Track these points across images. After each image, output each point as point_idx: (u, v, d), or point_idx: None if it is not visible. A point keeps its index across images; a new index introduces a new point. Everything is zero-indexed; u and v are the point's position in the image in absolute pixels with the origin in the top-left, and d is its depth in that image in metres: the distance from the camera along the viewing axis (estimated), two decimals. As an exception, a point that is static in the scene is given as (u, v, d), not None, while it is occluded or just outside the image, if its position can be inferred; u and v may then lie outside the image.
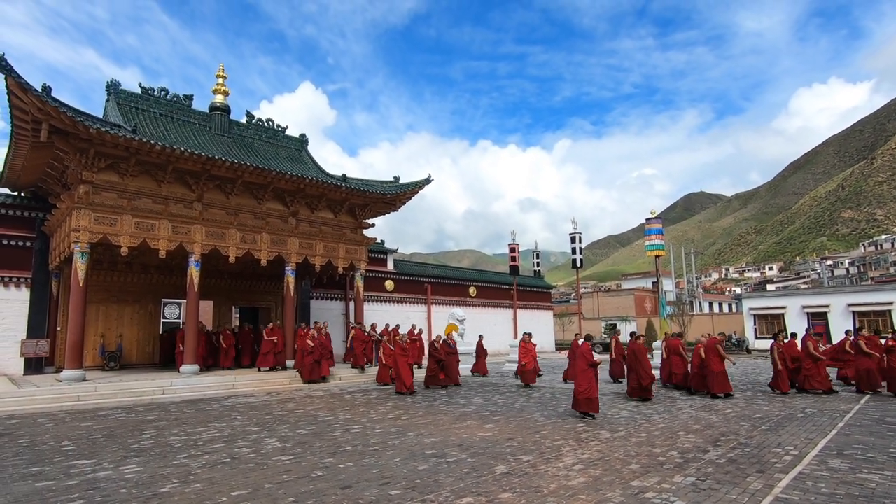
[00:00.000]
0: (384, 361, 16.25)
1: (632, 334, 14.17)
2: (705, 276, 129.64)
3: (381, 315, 26.09)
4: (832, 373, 15.89)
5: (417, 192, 21.24)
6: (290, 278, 18.36)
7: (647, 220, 20.79)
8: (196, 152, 14.78)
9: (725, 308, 68.55)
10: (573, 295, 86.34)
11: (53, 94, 12.13)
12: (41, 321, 17.21)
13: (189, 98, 19.57)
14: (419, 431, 8.95)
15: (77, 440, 8.44)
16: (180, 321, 22.04)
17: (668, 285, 56.28)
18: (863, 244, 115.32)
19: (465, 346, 20.77)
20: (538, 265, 36.81)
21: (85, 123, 12.70)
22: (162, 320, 20.73)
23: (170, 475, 6.29)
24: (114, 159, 14.66)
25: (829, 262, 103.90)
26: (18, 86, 11.62)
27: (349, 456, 7.22)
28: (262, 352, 17.37)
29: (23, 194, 17.84)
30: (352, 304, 23.42)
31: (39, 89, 11.85)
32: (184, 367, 15.71)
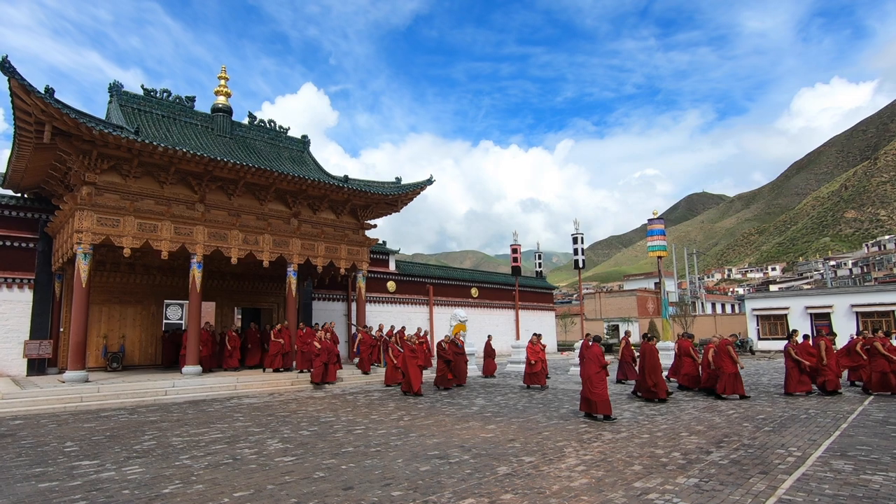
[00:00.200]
0: (394, 362, 16.21)
1: (644, 335, 14.12)
2: (708, 277, 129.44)
3: (383, 316, 26.09)
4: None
5: (419, 193, 21.24)
6: (292, 279, 18.37)
7: (650, 220, 20.76)
8: (198, 153, 14.81)
9: (728, 309, 68.37)
10: (575, 296, 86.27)
11: (56, 95, 12.17)
12: (44, 322, 17.25)
13: (191, 99, 19.61)
14: (421, 432, 8.94)
15: (80, 441, 8.46)
16: (182, 322, 22.09)
17: (670, 286, 56.23)
18: (866, 244, 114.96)
19: (467, 346, 20.76)
20: (540, 266, 36.74)
21: (87, 125, 12.74)
22: (164, 321, 20.76)
23: (172, 476, 6.30)
24: (116, 161, 14.69)
25: (833, 263, 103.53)
26: (22, 88, 11.66)
27: (351, 457, 7.22)
28: (271, 353, 17.40)
29: (26, 196, 17.89)
30: (354, 305, 23.43)
31: (42, 91, 11.89)
32: (186, 368, 15.73)
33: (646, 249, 23.50)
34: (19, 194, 17.79)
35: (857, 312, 34.90)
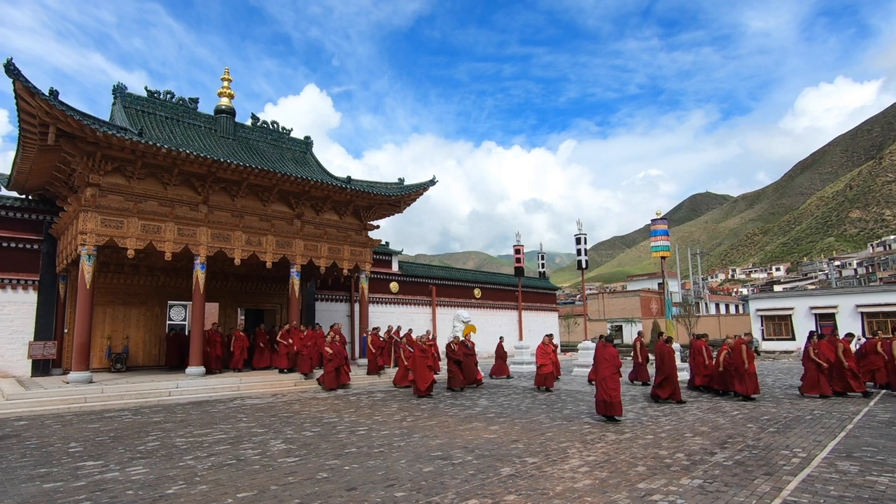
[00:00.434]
0: (404, 363, 16.13)
1: (659, 335, 14.03)
2: (711, 277, 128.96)
3: (386, 317, 26.10)
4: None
5: (422, 194, 21.24)
6: (296, 280, 18.40)
7: (653, 220, 20.68)
8: (202, 155, 14.86)
9: (732, 309, 68.10)
10: (578, 296, 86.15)
11: (60, 97, 12.22)
12: (48, 323, 17.32)
13: (194, 101, 19.67)
14: (424, 433, 8.94)
15: (84, 442, 8.49)
16: (186, 323, 22.14)
17: (673, 286, 56.02)
18: (871, 244, 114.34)
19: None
20: (543, 266, 36.70)
21: (91, 127, 12.79)
22: (168, 322, 20.81)
23: (176, 477, 6.31)
24: (120, 162, 14.75)
25: (837, 263, 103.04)
26: (26, 90, 11.72)
27: (354, 457, 7.22)
28: (279, 354, 17.40)
29: (30, 197, 17.97)
30: (357, 306, 23.44)
31: (47, 93, 11.95)
32: (189, 369, 15.76)
33: (649, 250, 23.44)
34: (24, 196, 17.87)
35: (862, 313, 34.72)
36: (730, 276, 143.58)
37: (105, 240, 14.43)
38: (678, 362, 17.25)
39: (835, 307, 36.02)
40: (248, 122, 21.28)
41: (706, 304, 62.98)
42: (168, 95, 19.00)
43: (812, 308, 36.95)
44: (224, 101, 20.42)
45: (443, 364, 17.76)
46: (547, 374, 15.23)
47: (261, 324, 20.86)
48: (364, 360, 19.60)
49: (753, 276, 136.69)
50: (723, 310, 66.62)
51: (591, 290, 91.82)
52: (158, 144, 14.08)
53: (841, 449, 7.48)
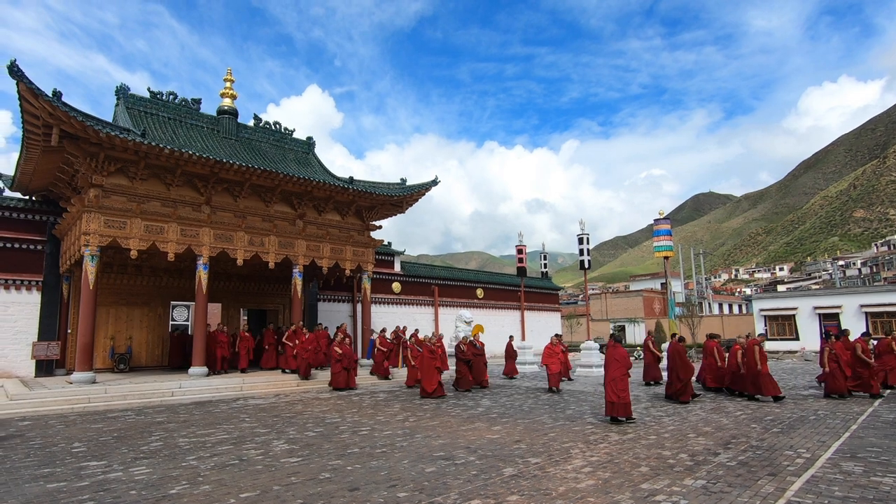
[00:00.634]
0: (412, 363, 16.04)
1: (673, 335, 13.96)
2: (715, 277, 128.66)
3: (388, 317, 26.11)
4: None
5: (424, 194, 21.25)
6: (298, 280, 18.42)
7: (656, 220, 20.66)
8: (204, 156, 14.89)
9: (735, 309, 67.93)
10: (581, 296, 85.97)
11: (64, 98, 12.26)
12: (52, 324, 17.38)
13: (197, 102, 19.71)
14: (427, 433, 8.93)
15: (87, 442, 8.51)
16: (189, 324, 22.19)
17: (676, 286, 55.92)
18: (875, 244, 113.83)
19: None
20: (546, 266, 36.65)
21: (95, 128, 12.83)
22: (171, 322, 20.86)
23: (179, 477, 6.32)
24: (123, 163, 14.79)
25: (841, 263, 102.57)
26: (30, 91, 11.76)
27: (357, 458, 7.22)
28: (289, 354, 17.33)
29: (34, 198, 18.04)
30: (359, 307, 23.46)
31: (50, 94, 12.00)
32: (192, 370, 15.79)
33: (652, 250, 23.39)
34: (27, 197, 17.95)
35: (866, 313, 34.57)
36: (733, 276, 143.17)
37: (108, 240, 14.48)
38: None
39: (839, 307, 35.88)
40: (251, 123, 21.31)
41: (709, 304, 62.82)
42: (171, 96, 19.05)
43: (816, 308, 36.81)
44: (226, 101, 20.46)
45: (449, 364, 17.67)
46: (554, 375, 15.05)
47: (269, 324, 20.85)
48: (367, 361, 19.60)
49: (757, 276, 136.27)
50: (726, 310, 66.45)
51: (593, 290, 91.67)
52: (161, 145, 14.10)
53: (845, 449, 7.45)
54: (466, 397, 13.95)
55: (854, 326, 33.23)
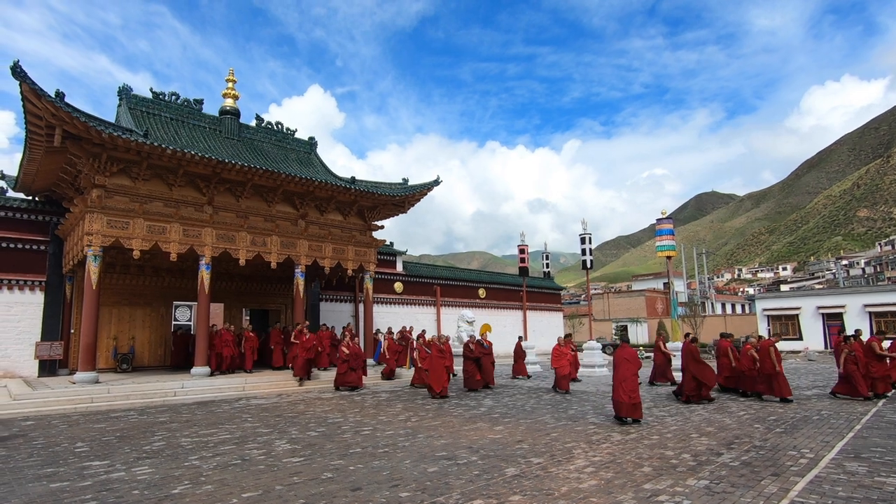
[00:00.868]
0: (419, 364, 15.95)
1: (686, 335, 13.88)
2: (717, 277, 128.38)
3: (390, 317, 26.12)
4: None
5: (426, 194, 21.24)
6: (300, 280, 18.43)
7: (658, 220, 20.60)
8: (206, 156, 14.91)
9: (738, 309, 67.77)
10: (583, 296, 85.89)
11: (66, 99, 12.29)
12: (55, 324, 17.43)
13: (199, 102, 19.74)
14: (429, 433, 8.93)
15: (90, 441, 8.53)
16: (191, 324, 22.23)
17: (679, 286, 55.79)
18: (879, 243, 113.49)
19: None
20: (548, 266, 36.62)
21: (97, 128, 12.86)
22: (173, 322, 20.90)
23: (181, 476, 6.32)
24: (126, 163, 14.82)
25: (845, 262, 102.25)
26: (33, 92, 11.79)
27: (359, 458, 7.21)
28: (291, 354, 17.36)
29: (37, 199, 18.10)
30: (361, 307, 23.47)
31: (53, 95, 12.02)
32: (195, 369, 15.81)
33: (654, 249, 23.35)
34: (30, 197, 18.00)
35: (870, 312, 34.48)
36: (736, 276, 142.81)
37: (111, 241, 14.50)
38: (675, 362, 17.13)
39: (842, 307, 35.78)
40: (253, 123, 21.34)
41: (712, 303, 62.69)
42: (173, 97, 19.09)
43: (819, 308, 36.72)
44: (228, 102, 20.49)
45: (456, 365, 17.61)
46: (563, 376, 14.81)
47: (276, 324, 20.86)
48: (370, 361, 19.60)
49: (760, 275, 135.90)
50: (729, 310, 66.31)
51: (595, 289, 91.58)
52: (163, 145, 14.13)
53: (849, 450, 7.42)
54: (468, 397, 13.93)
55: (857, 326, 33.09)
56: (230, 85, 20.86)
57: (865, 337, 14.94)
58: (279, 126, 22.08)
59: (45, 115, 12.36)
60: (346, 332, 16.76)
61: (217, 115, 20.19)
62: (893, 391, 14.48)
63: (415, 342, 18.80)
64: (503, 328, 32.14)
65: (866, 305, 34.77)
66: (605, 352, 26.95)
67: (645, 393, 14.43)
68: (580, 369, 20.65)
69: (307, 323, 17.93)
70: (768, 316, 39.17)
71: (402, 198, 20.39)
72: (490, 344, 17.20)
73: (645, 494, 5.43)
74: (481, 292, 32.53)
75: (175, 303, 21.08)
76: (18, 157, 15.95)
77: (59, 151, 14.01)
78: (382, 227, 21.43)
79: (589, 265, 23.93)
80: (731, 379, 14.20)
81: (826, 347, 35.40)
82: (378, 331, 22.09)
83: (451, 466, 6.66)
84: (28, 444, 8.39)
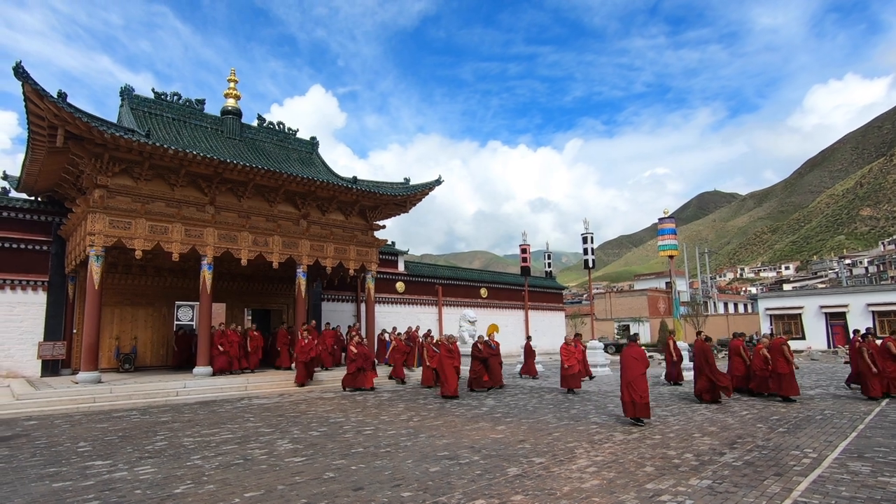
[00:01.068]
0: (428, 364, 15.87)
1: (698, 334, 13.79)
2: (720, 276, 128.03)
3: (392, 317, 26.12)
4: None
5: (428, 194, 21.23)
6: (302, 280, 18.44)
7: (660, 219, 20.57)
8: (208, 156, 14.92)
9: (741, 308, 67.60)
10: (585, 296, 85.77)
11: (69, 100, 12.30)
12: (58, 324, 17.46)
13: (201, 102, 19.77)
14: (431, 433, 8.92)
15: (93, 441, 8.54)
16: (193, 323, 22.25)
17: (681, 285, 55.72)
18: (882, 242, 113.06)
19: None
20: (549, 266, 36.60)
21: (99, 129, 12.88)
22: (175, 322, 20.93)
23: (184, 476, 6.33)
24: (128, 164, 14.84)
25: (848, 261, 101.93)
26: (35, 92, 11.81)
27: (361, 457, 7.21)
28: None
29: (39, 199, 18.13)
30: (363, 306, 23.47)
31: (55, 95, 12.04)
32: (197, 369, 15.84)
33: (656, 249, 23.31)
34: (33, 198, 18.04)
35: (873, 312, 34.36)
36: (738, 275, 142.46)
37: (113, 241, 14.53)
38: (686, 361, 17.08)
39: (845, 306, 35.68)
40: (255, 123, 21.36)
41: (714, 303, 62.55)
42: (175, 97, 19.12)
43: (822, 307, 36.62)
44: (230, 102, 20.51)
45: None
46: (574, 375, 14.62)
47: (282, 324, 20.87)
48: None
49: (762, 274, 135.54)
50: (731, 309, 66.15)
51: (597, 289, 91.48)
52: (165, 146, 14.15)
53: (852, 449, 7.39)
54: (471, 396, 13.92)
55: (861, 326, 32.98)
56: (232, 85, 20.88)
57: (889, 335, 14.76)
58: (281, 126, 22.10)
59: (48, 115, 12.38)
60: (354, 333, 16.70)
61: (219, 115, 20.22)
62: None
63: (423, 342, 18.70)
64: (505, 328, 32.11)
65: (869, 305, 34.66)
66: (607, 351, 26.90)
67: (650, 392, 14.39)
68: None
69: (314, 323, 17.90)
70: (771, 315, 39.07)
71: (403, 197, 20.39)
72: (497, 344, 17.11)
73: (647, 494, 5.42)
74: (483, 292, 32.51)
75: (177, 303, 21.10)
76: (21, 157, 15.98)
77: (61, 152, 14.04)
78: (384, 226, 21.43)
79: (591, 264, 23.91)
80: (743, 379, 14.07)
81: (829, 347, 35.30)
82: (384, 331, 22.08)
83: (453, 466, 6.65)
84: (31, 443, 8.41)
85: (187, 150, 14.55)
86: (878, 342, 14.19)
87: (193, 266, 17.79)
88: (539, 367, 22.32)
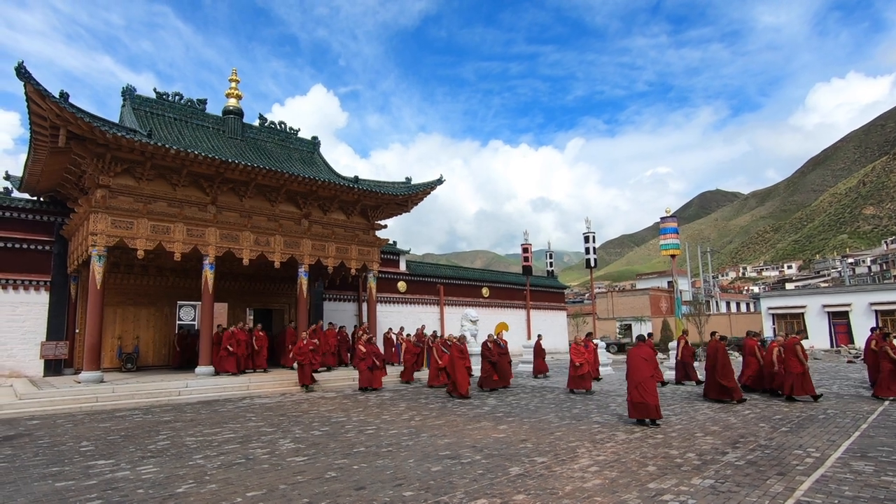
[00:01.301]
0: (440, 364, 15.80)
1: (712, 334, 13.69)
2: (722, 276, 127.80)
3: (394, 316, 26.13)
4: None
5: (429, 193, 21.22)
6: (303, 280, 18.45)
7: (662, 218, 20.54)
8: (210, 156, 14.94)
9: (743, 307, 67.48)
10: (587, 295, 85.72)
11: (71, 100, 12.33)
12: (60, 323, 17.51)
13: (203, 102, 19.79)
14: (432, 433, 8.92)
15: (95, 441, 8.56)
16: (196, 323, 22.29)
17: (683, 285, 55.57)
18: (885, 241, 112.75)
19: (478, 346, 20.67)
20: (551, 265, 36.58)
21: (101, 129, 12.90)
22: (177, 322, 20.96)
23: (186, 476, 6.34)
24: (130, 164, 14.87)
25: (851, 260, 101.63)
26: (37, 93, 11.83)
27: (363, 457, 7.21)
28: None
29: (42, 199, 18.18)
30: (364, 306, 23.48)
31: (57, 96, 12.06)
32: (199, 369, 15.86)
33: (658, 248, 23.28)
34: (35, 198, 18.08)
35: (876, 311, 34.26)
36: (741, 274, 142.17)
37: (115, 241, 14.56)
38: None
39: (848, 305, 35.58)
40: (256, 123, 21.38)
41: (717, 302, 62.45)
42: (176, 97, 19.14)
43: (825, 306, 36.53)
44: (232, 101, 20.53)
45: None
46: (583, 375, 14.47)
47: (290, 323, 20.87)
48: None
49: (765, 273, 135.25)
50: (734, 308, 66.03)
51: (599, 288, 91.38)
52: (167, 146, 14.17)
53: (855, 449, 7.37)
54: (473, 396, 13.91)
55: (864, 325, 32.90)
56: (233, 85, 20.90)
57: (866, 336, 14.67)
58: (282, 126, 22.11)
59: (50, 115, 12.41)
60: (362, 332, 16.65)
61: (220, 114, 20.24)
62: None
63: (432, 342, 18.60)
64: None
65: (872, 304, 34.56)
66: (609, 350, 26.87)
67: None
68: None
69: (321, 324, 17.87)
70: (773, 314, 39.00)
71: (405, 197, 20.38)
72: (505, 343, 17.06)
73: (649, 494, 5.40)
74: (485, 291, 32.50)
75: (179, 302, 21.15)
76: (23, 157, 16.02)
77: (63, 152, 14.07)
78: (385, 226, 21.43)
79: (593, 264, 23.88)
80: (756, 379, 14.00)
81: (832, 346, 35.22)
82: (390, 329, 22.05)
83: (455, 465, 6.65)
84: (33, 443, 8.43)
85: (189, 150, 14.57)
86: None
87: (195, 266, 17.82)
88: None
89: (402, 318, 25.78)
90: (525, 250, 28.71)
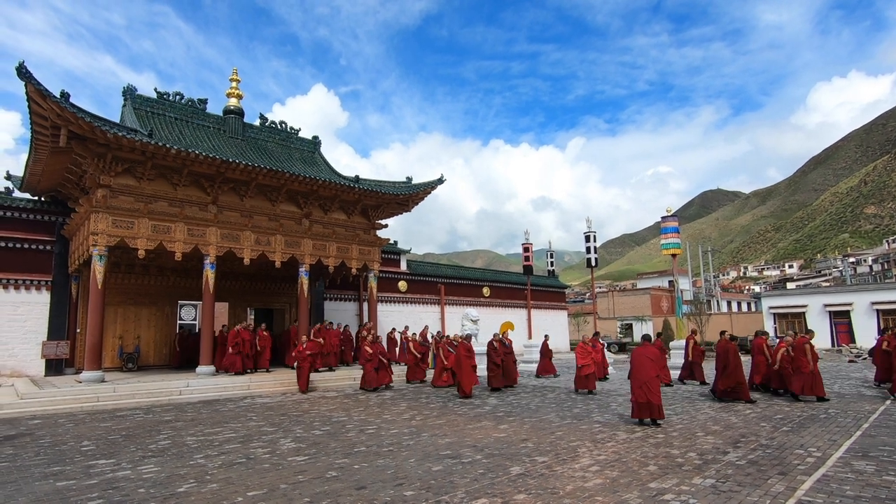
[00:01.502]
0: (445, 364, 15.76)
1: (721, 333, 13.69)
2: (723, 275, 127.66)
3: (395, 316, 26.13)
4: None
5: (430, 193, 21.22)
6: (304, 279, 18.46)
7: (663, 218, 20.52)
8: (210, 155, 14.94)
9: (744, 307, 67.44)
10: (588, 294, 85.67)
11: (72, 100, 12.34)
12: (61, 323, 17.53)
13: (203, 102, 19.79)
14: (433, 432, 8.92)
15: (97, 440, 8.57)
16: (196, 323, 22.30)
17: (684, 284, 55.54)
18: (887, 241, 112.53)
19: (479, 346, 20.65)
20: (552, 265, 36.54)
21: (102, 128, 12.91)
22: (178, 322, 20.97)
23: (187, 475, 6.34)
24: (130, 163, 14.87)
25: (852, 260, 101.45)
26: (38, 93, 11.84)
27: (364, 456, 7.21)
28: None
29: (43, 199, 18.19)
30: (365, 305, 23.48)
31: (58, 96, 12.06)
32: (200, 368, 15.87)
33: (659, 247, 23.27)
34: (36, 198, 18.09)
35: (878, 310, 34.23)
36: (742, 274, 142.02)
37: (116, 240, 14.57)
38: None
39: (850, 304, 35.55)
40: (257, 123, 21.38)
41: (718, 301, 62.38)
42: (177, 96, 19.14)
43: (826, 306, 36.51)
44: (232, 101, 20.53)
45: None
46: (588, 375, 14.35)
47: (294, 322, 20.87)
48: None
49: (766, 273, 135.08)
50: (735, 308, 65.98)
51: (600, 288, 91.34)
52: (168, 145, 14.17)
53: (857, 448, 7.36)
54: (473, 395, 13.90)
55: (865, 324, 32.93)
56: (234, 84, 20.91)
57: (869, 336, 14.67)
58: (283, 125, 22.11)
59: (51, 115, 12.41)
60: (366, 332, 16.60)
61: (221, 114, 20.25)
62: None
63: (439, 342, 18.54)
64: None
65: (874, 303, 34.52)
66: (609, 350, 26.84)
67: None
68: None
69: (327, 322, 17.86)
70: (774, 314, 38.98)
71: (405, 196, 20.38)
72: (510, 342, 17.05)
73: (650, 493, 5.40)
74: (486, 291, 32.49)
75: (180, 302, 21.16)
76: (24, 157, 16.03)
77: (64, 152, 14.08)
78: (386, 225, 21.43)
79: (593, 263, 23.87)
80: (765, 377, 13.92)
81: (833, 345, 35.18)
82: (394, 329, 22.04)
83: (456, 465, 6.64)
84: (35, 442, 8.44)
85: (190, 150, 14.58)
86: None
87: (196, 265, 17.83)
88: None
89: (402, 318, 25.78)
90: (526, 250, 28.69)
